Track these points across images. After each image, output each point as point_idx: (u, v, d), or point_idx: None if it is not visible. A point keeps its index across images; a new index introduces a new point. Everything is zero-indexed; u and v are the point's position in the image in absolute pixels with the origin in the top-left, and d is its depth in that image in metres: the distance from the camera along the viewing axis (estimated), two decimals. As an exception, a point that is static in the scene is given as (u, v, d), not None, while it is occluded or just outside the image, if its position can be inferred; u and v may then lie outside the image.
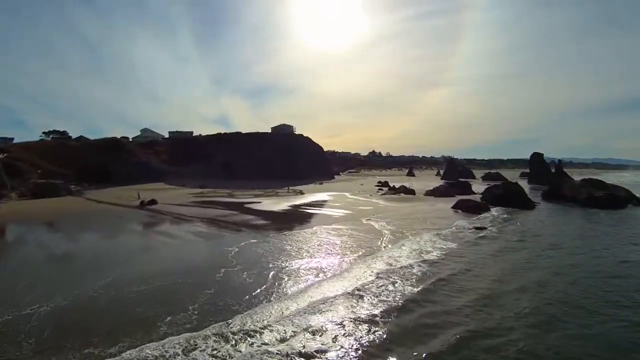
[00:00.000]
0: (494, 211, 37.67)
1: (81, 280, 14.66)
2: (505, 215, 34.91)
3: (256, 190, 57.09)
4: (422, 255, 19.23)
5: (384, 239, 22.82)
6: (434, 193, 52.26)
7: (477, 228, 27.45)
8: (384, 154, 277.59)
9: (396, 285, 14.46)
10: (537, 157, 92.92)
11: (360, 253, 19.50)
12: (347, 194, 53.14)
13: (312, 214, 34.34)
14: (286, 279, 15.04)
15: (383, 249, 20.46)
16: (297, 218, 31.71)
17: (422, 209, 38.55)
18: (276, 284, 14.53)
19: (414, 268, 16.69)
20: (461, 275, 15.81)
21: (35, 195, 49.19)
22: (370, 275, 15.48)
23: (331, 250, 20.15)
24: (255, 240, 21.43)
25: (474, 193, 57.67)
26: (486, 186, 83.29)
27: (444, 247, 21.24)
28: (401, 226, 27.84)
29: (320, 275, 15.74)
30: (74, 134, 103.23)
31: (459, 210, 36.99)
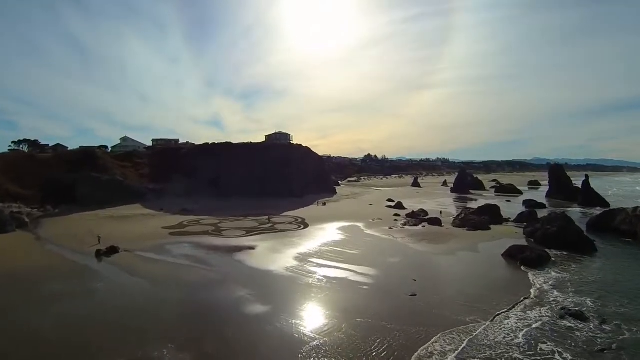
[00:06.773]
0: (554, 260, 29.89)
1: None
2: (576, 271, 27.07)
3: (248, 219, 47.57)
4: None
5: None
6: (465, 223, 43.46)
7: (573, 315, 18.76)
8: (379, 157, 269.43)
9: None
10: (557, 170, 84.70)
11: None
12: (361, 226, 43.74)
13: (326, 284, 23.74)
14: None
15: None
16: (306, 301, 20.96)
17: (467, 261, 29.67)
18: None
19: None
20: None
21: (-26, 229, 39.51)
22: None
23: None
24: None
25: (506, 220, 49.13)
26: (507, 201, 76.23)
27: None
28: (463, 312, 18.88)
29: None
30: (62, 134, 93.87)
31: (518, 263, 28.25)
